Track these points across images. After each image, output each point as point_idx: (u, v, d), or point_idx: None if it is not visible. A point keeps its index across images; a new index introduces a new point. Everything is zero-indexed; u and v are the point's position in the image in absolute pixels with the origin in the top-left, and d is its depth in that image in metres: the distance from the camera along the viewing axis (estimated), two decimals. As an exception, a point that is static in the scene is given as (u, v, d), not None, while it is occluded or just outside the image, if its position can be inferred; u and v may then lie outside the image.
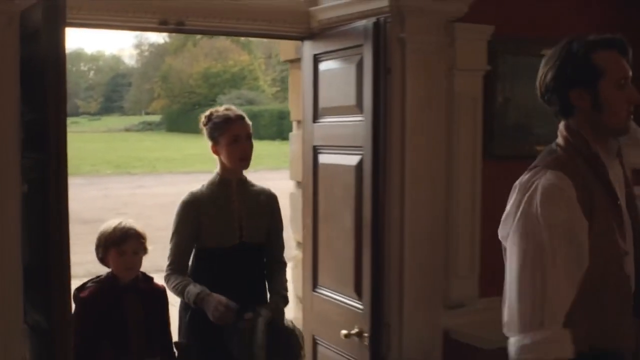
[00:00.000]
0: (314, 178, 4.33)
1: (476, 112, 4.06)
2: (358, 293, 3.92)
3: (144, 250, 3.77)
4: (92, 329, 3.60)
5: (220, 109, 3.87)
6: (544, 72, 2.59)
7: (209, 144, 3.83)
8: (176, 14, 4.02)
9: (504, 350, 3.24)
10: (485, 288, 4.14)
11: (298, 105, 4.68)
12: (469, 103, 4.03)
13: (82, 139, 47.91)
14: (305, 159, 4.42)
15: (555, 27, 4.27)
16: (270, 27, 4.28)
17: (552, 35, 4.24)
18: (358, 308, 3.91)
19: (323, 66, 4.25)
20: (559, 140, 2.57)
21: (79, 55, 75.25)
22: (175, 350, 3.78)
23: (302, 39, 4.42)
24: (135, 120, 63.32)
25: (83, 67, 78.37)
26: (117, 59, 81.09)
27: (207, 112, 3.89)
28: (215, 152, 3.83)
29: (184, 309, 3.80)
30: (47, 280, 3.35)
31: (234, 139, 3.75)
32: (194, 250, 3.83)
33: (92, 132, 54.91)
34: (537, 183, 2.41)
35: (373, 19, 3.78)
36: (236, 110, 3.88)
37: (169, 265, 3.80)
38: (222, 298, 3.57)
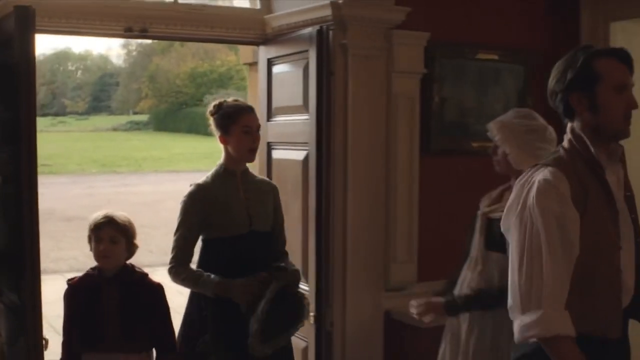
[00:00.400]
0: (268, 171, 4.71)
1: (413, 111, 4.44)
2: (305, 277, 4.29)
3: (128, 242, 3.65)
4: (72, 317, 3.63)
5: (230, 100, 3.86)
6: (551, 78, 2.74)
7: (217, 133, 3.75)
8: (140, 22, 4.39)
9: (439, 329, 3.63)
10: (423, 273, 4.51)
11: (256, 105, 5.04)
12: (406, 103, 4.41)
13: (69, 138, 48.06)
14: (261, 155, 4.79)
15: (488, 33, 4.69)
16: (228, 33, 4.66)
17: (486, 40, 4.70)
18: (305, 290, 4.28)
19: (276, 69, 4.64)
20: (564, 141, 2.74)
21: (66, 55, 74.69)
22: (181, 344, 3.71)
23: (257, 44, 4.81)
24: (122, 119, 63.15)
25: (71, 67, 77.68)
26: (104, 59, 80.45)
27: (216, 102, 3.83)
28: (224, 141, 3.74)
29: (196, 301, 3.74)
30: (20, 263, 3.72)
31: (245, 130, 3.70)
32: (201, 241, 3.76)
33: (80, 132, 54.89)
34: (535, 179, 2.58)
35: (317, 27, 4.16)
36: (246, 102, 3.92)
37: (173, 258, 3.69)
38: (247, 281, 3.60)
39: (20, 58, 3.58)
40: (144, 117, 61.69)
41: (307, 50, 4.23)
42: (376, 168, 4.37)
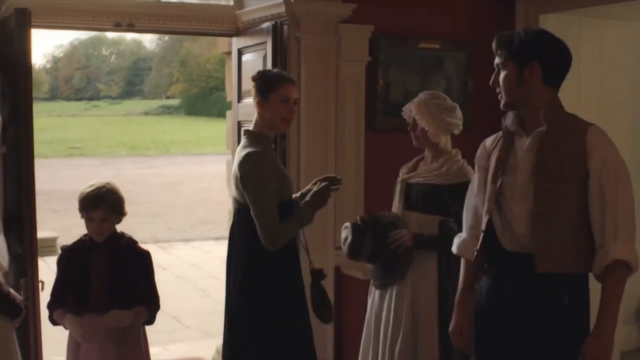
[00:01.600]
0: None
1: (359, 94, 5.16)
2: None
3: (118, 215, 3.82)
4: (63, 280, 3.84)
5: (274, 70, 4.16)
6: None
7: (256, 98, 3.80)
8: (127, 17, 5.11)
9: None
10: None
11: (229, 89, 5.80)
12: (353, 87, 5.13)
13: (102, 122, 49.05)
14: (232, 132, 5.54)
15: (429, 25, 5.40)
16: (205, 26, 5.40)
17: (428, 32, 5.38)
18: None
19: (244, 58, 5.37)
20: None
21: (100, 40, 75.20)
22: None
23: (230, 35, 5.54)
24: (154, 104, 64.06)
25: (105, 52, 78.27)
26: (138, 44, 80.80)
27: (261, 69, 4.05)
28: (260, 106, 3.79)
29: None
30: (20, 220, 4.48)
31: (283, 99, 3.74)
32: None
33: (112, 116, 55.88)
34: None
35: (273, 22, 4.88)
36: (289, 74, 4.18)
37: (271, 225, 3.64)
38: (319, 191, 3.82)
39: (19, 51, 4.34)
40: (175, 102, 62.41)
41: (265, 42, 4.96)
42: (327, 142, 5.10)
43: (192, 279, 10.44)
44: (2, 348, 3.48)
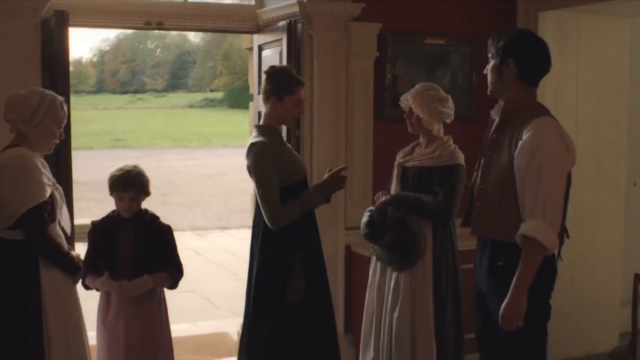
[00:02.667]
0: (258, 135, 5.89)
1: (368, 86, 5.59)
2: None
3: (145, 195, 4.24)
4: (94, 250, 4.26)
5: (287, 69, 4.38)
6: None
7: (270, 96, 4.14)
8: (156, 17, 5.57)
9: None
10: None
11: (253, 82, 6.26)
12: (362, 80, 5.56)
13: (146, 114, 49.71)
14: (253, 122, 6.00)
15: (435, 22, 5.79)
16: (228, 24, 5.85)
17: (433, 29, 5.77)
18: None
19: (264, 53, 5.83)
20: None
21: (146, 34, 75.48)
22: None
23: (252, 33, 6.00)
24: (198, 97, 64.57)
25: (150, 45, 78.73)
26: (183, 37, 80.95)
27: (276, 66, 4.39)
28: (274, 104, 4.13)
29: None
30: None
31: (297, 103, 4.13)
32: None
33: (157, 109, 56.47)
34: None
35: (288, 21, 5.33)
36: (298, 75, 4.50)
37: (270, 206, 3.99)
38: (330, 179, 4.21)
39: (58, 49, 4.83)
40: (219, 95, 62.70)
41: (281, 39, 5.41)
42: (338, 131, 5.54)
43: (226, 263, 10.92)
44: (64, 303, 3.92)
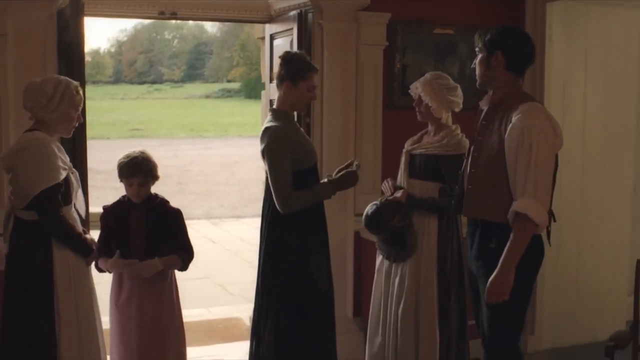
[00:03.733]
0: (270, 123, 5.99)
1: (377, 75, 5.66)
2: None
3: (153, 180, 4.32)
4: (106, 234, 4.37)
5: (300, 55, 4.40)
6: None
7: (284, 81, 4.19)
8: (170, 7, 5.67)
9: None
10: (384, 201, 5.72)
11: (264, 71, 6.36)
12: (372, 69, 5.63)
13: (163, 105, 49.97)
14: (265, 110, 6.10)
15: (443, 12, 5.86)
16: (241, 14, 5.95)
17: (442, 19, 5.84)
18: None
19: (275, 42, 5.93)
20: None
21: (163, 24, 75.76)
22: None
23: (264, 22, 6.10)
24: (215, 87, 64.84)
25: (167, 36, 79.01)
26: (200, 27, 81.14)
27: (291, 52, 4.46)
28: (287, 88, 4.19)
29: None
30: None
31: (310, 88, 4.21)
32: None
33: (174, 99, 56.89)
34: None
35: (299, 10, 5.42)
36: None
37: (282, 189, 4.07)
38: (346, 174, 4.32)
39: (74, 37, 4.94)
40: (236, 85, 62.94)
41: (292, 29, 5.51)
42: (347, 119, 5.62)
43: (240, 251, 11.02)
44: (77, 283, 4.05)
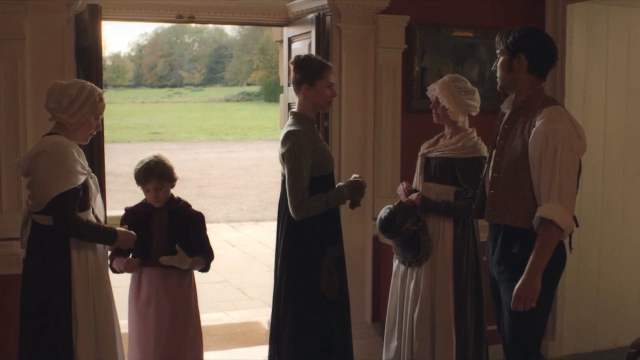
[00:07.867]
0: (288, 127, 5.97)
1: (396, 78, 5.62)
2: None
3: (171, 182, 4.36)
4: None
5: (313, 55, 4.48)
6: None
7: (302, 84, 4.22)
8: (188, 11, 5.67)
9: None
10: (403, 205, 5.68)
11: (283, 74, 6.34)
12: (390, 72, 5.59)
13: (183, 108, 50.17)
14: (283, 113, 6.08)
15: (463, 15, 5.82)
16: (258, 18, 5.93)
17: (461, 21, 5.80)
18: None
19: (294, 45, 5.90)
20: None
21: (183, 28, 76.59)
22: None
23: (282, 25, 6.07)
24: (235, 91, 65.11)
25: (187, 40, 79.64)
26: (220, 31, 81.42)
27: (302, 55, 4.38)
28: (307, 90, 4.22)
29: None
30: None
31: (328, 85, 4.23)
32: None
33: (194, 102, 57.15)
34: None
35: (316, 14, 5.40)
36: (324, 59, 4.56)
37: (300, 195, 4.08)
38: (353, 183, 4.33)
39: (91, 41, 4.94)
40: (255, 88, 63.26)
41: (310, 32, 5.48)
42: (366, 122, 5.58)
43: (259, 255, 11.00)
44: (95, 289, 4.01)
